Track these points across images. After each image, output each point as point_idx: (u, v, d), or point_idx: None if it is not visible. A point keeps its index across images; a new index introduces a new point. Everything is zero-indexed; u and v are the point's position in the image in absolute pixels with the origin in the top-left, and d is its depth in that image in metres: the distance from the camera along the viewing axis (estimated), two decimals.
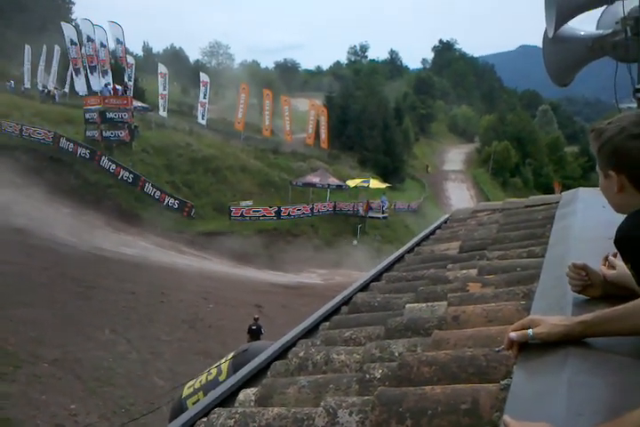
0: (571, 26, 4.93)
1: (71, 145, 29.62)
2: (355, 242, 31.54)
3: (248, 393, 1.99)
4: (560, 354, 1.26)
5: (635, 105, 4.70)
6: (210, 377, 3.73)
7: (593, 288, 1.57)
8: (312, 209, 31.65)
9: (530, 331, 1.33)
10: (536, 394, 1.17)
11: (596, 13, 4.96)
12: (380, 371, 1.72)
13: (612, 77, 4.60)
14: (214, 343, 13.54)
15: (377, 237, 33.14)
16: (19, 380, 10.64)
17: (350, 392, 1.72)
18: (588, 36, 4.93)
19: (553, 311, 1.55)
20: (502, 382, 1.34)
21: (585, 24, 5.05)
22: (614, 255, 1.59)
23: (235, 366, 3.26)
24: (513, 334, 1.35)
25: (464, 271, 2.70)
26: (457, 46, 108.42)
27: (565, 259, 1.98)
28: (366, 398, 1.58)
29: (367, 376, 1.72)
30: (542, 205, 4.09)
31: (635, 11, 4.50)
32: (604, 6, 4.82)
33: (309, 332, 2.60)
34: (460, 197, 49.75)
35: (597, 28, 5.01)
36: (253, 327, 13.07)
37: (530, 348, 1.36)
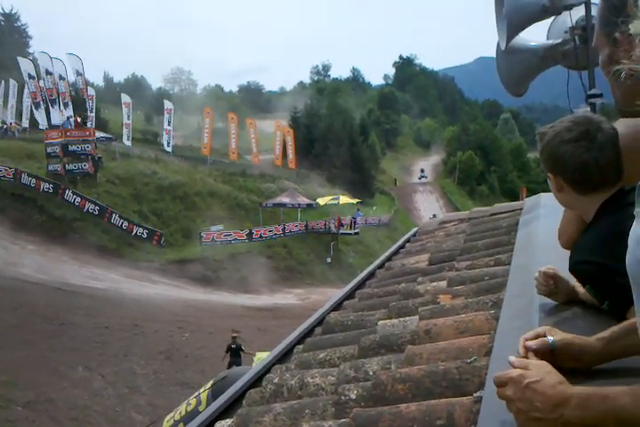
0: (522, 37, 5.06)
1: (33, 180, 28.98)
2: (328, 259, 31.52)
3: (223, 425, 1.94)
4: None
5: (589, 110, 4.83)
6: (189, 408, 3.64)
7: (559, 294, 1.58)
8: (284, 229, 31.53)
9: (550, 338, 1.16)
10: None
11: (546, 24, 5.10)
12: (356, 392, 1.69)
13: (566, 84, 4.73)
14: (192, 373, 13.25)
15: (350, 253, 33.19)
16: None
17: (326, 416, 1.68)
18: (539, 47, 5.06)
19: (520, 319, 1.55)
20: (475, 395, 1.33)
21: (538, 34, 5.19)
22: None
23: (214, 395, 3.18)
24: (530, 343, 1.17)
25: (434, 284, 2.70)
26: (417, 61, 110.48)
27: (530, 265, 2.00)
28: (342, 420, 1.55)
29: (342, 398, 1.69)
30: (507, 212, 4.15)
31: (582, 20, 4.65)
32: (553, 17, 4.97)
33: (284, 356, 2.55)
34: (429, 208, 50.26)
35: (548, 38, 5.15)
36: (233, 346, 12.66)
37: (499, 358, 1.34)
